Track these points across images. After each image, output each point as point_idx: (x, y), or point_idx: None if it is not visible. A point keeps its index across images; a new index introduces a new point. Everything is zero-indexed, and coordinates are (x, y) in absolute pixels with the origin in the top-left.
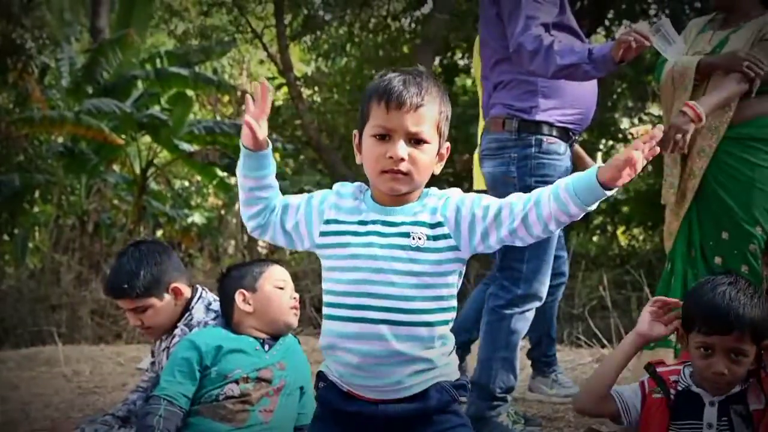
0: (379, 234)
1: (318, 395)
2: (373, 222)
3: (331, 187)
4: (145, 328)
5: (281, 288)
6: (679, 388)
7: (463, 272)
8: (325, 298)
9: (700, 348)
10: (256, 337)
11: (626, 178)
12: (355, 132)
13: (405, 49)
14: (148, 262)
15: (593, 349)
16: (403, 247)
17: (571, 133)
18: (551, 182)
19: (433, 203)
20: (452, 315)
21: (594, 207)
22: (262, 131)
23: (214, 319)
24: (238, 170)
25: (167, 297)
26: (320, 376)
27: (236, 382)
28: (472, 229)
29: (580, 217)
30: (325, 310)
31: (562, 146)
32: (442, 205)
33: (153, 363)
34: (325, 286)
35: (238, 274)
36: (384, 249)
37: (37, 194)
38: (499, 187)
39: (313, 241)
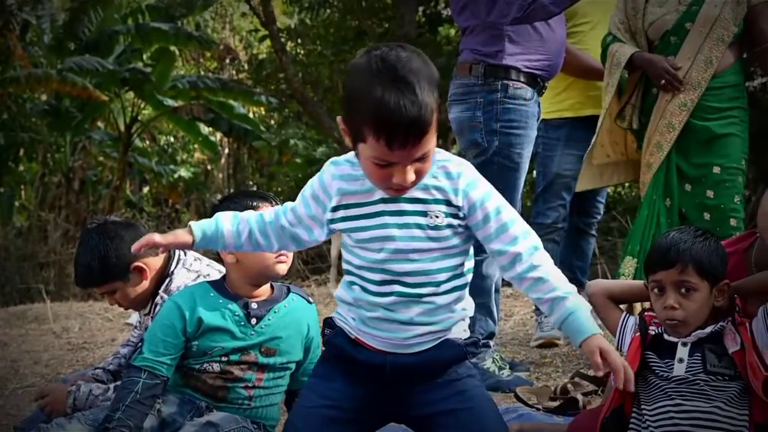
0: (392, 213)
1: (326, 340)
2: (383, 200)
3: (315, 141)
4: (123, 306)
5: None
6: (657, 332)
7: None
8: (347, 267)
9: (654, 289)
10: (244, 296)
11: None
12: (340, 118)
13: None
14: (101, 249)
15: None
16: (420, 226)
17: (539, 80)
18: (517, 127)
19: (448, 184)
20: (469, 278)
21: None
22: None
23: (194, 279)
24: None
25: (132, 276)
26: (327, 323)
27: (217, 361)
28: (479, 233)
29: None
30: (349, 278)
31: (528, 92)
32: (462, 190)
33: (141, 322)
34: (345, 256)
35: None
36: (401, 229)
37: (21, 152)
38: (465, 132)
39: (324, 232)
